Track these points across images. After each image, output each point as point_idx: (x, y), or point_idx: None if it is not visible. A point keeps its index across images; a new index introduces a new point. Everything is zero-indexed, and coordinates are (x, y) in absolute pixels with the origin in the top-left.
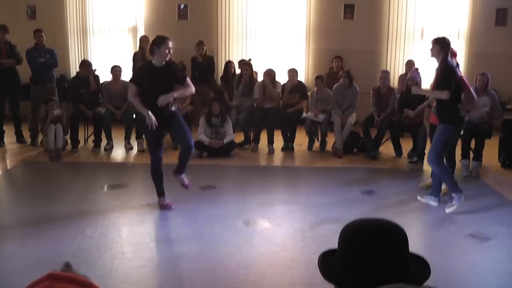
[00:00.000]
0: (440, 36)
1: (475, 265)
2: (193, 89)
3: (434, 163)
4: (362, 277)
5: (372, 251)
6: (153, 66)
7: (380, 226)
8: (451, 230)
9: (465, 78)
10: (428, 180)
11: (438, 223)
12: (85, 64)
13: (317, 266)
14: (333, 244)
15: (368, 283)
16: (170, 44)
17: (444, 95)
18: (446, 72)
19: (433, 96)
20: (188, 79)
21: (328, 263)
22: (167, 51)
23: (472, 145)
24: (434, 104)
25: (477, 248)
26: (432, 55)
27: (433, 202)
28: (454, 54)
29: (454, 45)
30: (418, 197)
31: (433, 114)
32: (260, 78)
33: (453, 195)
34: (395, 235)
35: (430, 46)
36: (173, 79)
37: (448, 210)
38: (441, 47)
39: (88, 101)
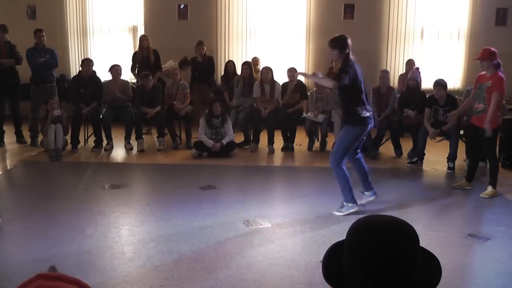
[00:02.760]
0: (337, 35)
1: (475, 265)
2: None
3: (337, 166)
4: (368, 272)
5: (379, 247)
6: None
7: (389, 222)
8: (451, 230)
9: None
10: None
11: (438, 223)
12: (87, 61)
13: (321, 263)
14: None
15: (374, 275)
16: None
17: (330, 83)
18: (344, 65)
19: (321, 83)
20: None
21: (334, 261)
22: None
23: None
24: (477, 106)
25: (477, 248)
26: (334, 58)
27: (371, 197)
28: (495, 55)
29: (454, 45)
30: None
31: (474, 116)
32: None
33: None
34: (403, 231)
35: (330, 50)
36: None
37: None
38: (340, 50)
39: (88, 101)
